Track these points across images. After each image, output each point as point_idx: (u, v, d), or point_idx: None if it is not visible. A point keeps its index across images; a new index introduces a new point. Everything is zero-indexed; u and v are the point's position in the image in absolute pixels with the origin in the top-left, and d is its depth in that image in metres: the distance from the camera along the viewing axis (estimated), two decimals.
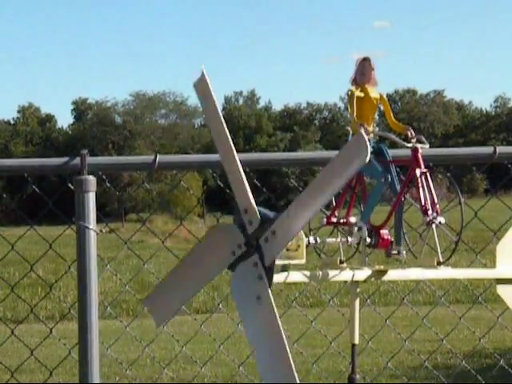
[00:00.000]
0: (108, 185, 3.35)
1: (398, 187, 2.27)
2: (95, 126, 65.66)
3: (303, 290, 12.83)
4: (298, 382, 1.91)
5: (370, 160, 2.27)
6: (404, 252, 2.25)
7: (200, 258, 2.09)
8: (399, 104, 75.40)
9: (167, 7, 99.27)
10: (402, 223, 2.27)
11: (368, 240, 2.28)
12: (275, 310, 1.94)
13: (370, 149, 1.79)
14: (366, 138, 1.78)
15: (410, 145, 2.24)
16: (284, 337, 1.93)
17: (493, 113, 74.87)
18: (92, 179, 2.95)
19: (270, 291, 1.94)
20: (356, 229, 2.26)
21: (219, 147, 2.04)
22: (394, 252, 2.25)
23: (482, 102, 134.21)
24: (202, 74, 2.00)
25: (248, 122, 68.88)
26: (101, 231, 2.99)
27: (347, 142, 1.86)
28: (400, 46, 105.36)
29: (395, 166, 2.31)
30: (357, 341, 2.30)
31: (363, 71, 2.29)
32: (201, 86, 2.01)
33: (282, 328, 1.95)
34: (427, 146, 2.28)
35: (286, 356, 1.93)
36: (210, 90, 1.98)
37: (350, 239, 2.29)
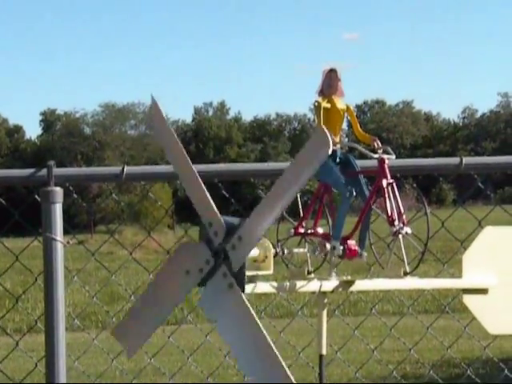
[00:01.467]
0: (75, 196, 3.32)
1: (367, 194, 2.28)
2: (64, 137, 65.32)
3: (272, 301, 12.82)
4: (287, 371, 1.89)
5: (335, 173, 2.28)
6: (365, 254, 2.26)
7: (167, 281, 2.05)
8: (368, 115, 75.88)
9: (136, 17, 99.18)
10: (368, 229, 2.28)
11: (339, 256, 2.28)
12: (252, 311, 1.92)
13: (331, 141, 1.80)
14: (326, 130, 1.80)
15: (376, 155, 2.25)
16: (265, 334, 1.91)
17: (460, 124, 75.59)
18: (59, 190, 2.93)
19: (243, 295, 1.94)
20: (329, 248, 2.26)
21: (174, 164, 2.02)
22: (365, 254, 2.26)
23: (450, 112, 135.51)
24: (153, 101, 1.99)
25: (218, 133, 68.92)
26: (68, 242, 2.96)
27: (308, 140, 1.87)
28: (369, 58, 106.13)
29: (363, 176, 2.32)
30: (324, 351, 2.30)
31: (330, 82, 2.30)
32: (154, 112, 1.99)
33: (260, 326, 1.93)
34: (393, 156, 2.29)
35: (271, 350, 1.90)
36: (160, 111, 1.97)
37: (316, 252, 2.29)
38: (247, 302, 1.93)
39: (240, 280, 1.94)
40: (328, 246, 2.25)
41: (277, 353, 1.88)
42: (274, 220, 1.91)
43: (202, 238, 2.02)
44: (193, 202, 2.03)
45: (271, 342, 1.90)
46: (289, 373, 1.88)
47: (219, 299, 1.95)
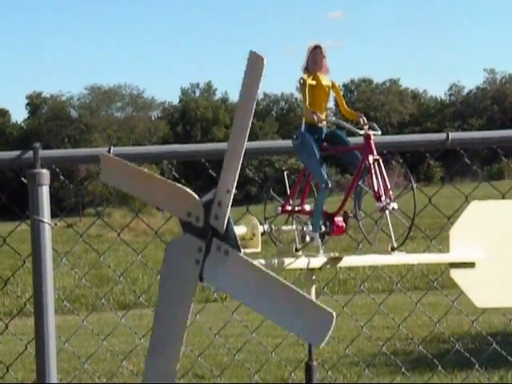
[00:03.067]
0: (62, 178, 3.32)
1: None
2: (50, 121, 65.06)
3: None
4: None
5: (316, 161, 2.28)
6: (362, 215, 2.26)
7: (170, 292, 2.04)
8: (355, 93, 75.80)
9: None
10: (360, 208, 2.28)
11: (323, 228, 2.29)
12: (256, 264, 1.92)
13: (264, 59, 1.82)
14: (256, 52, 1.84)
15: (362, 132, 2.25)
16: (279, 278, 1.90)
17: (447, 101, 75.63)
18: (45, 172, 2.93)
19: (241, 254, 1.94)
20: (308, 239, 2.27)
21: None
22: (351, 215, 2.27)
23: (437, 90, 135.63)
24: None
25: (205, 114, 68.74)
26: (55, 224, 2.96)
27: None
28: (355, 36, 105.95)
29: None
30: None
31: (315, 59, 2.29)
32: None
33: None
34: (379, 132, 2.29)
35: (292, 290, 1.86)
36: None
37: (304, 228, 2.29)
38: (249, 259, 1.94)
39: (233, 242, 1.95)
40: (307, 238, 2.25)
41: (295, 289, 1.86)
42: (239, 167, 1.92)
43: (185, 229, 2.02)
44: (160, 204, 2.03)
45: (284, 281, 1.89)
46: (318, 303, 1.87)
47: (222, 271, 1.96)
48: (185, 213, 1.99)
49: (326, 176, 2.26)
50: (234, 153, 1.92)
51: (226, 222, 1.94)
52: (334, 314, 1.83)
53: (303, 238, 2.29)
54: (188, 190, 2.00)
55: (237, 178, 1.94)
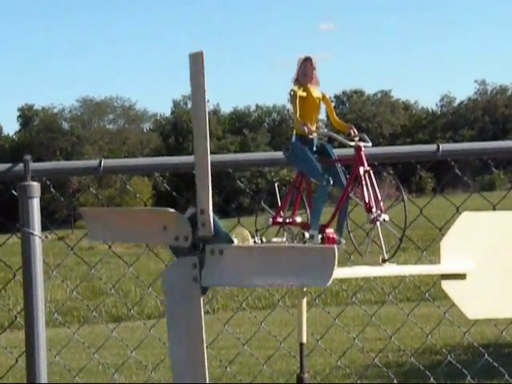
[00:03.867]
0: (53, 190, 3.31)
1: (345, 182, 2.28)
2: (42, 133, 64.98)
3: (253, 292, 12.83)
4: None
5: (311, 161, 2.28)
6: (344, 241, 2.26)
7: (179, 318, 2.05)
8: (347, 105, 75.97)
9: (112, 11, 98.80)
10: (346, 217, 2.28)
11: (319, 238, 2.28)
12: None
13: (202, 51, 1.90)
14: (193, 52, 1.89)
15: (352, 143, 2.25)
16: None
17: (439, 112, 75.85)
18: (36, 185, 2.92)
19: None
20: (308, 237, 2.26)
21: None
22: (343, 241, 2.26)
23: (428, 101, 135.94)
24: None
25: None
26: (46, 237, 2.96)
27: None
28: (347, 48, 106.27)
29: (341, 166, 2.32)
30: (304, 340, 2.30)
31: (305, 71, 2.30)
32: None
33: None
34: (370, 144, 2.29)
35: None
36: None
37: (295, 241, 2.29)
38: (242, 245, 1.98)
39: (224, 238, 1.97)
40: (307, 234, 2.25)
41: (292, 245, 1.91)
42: (209, 170, 1.96)
43: (177, 254, 2.04)
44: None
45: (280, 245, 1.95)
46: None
47: (221, 268, 1.98)
48: (172, 238, 2.01)
49: (326, 174, 2.26)
50: (201, 156, 1.96)
51: (212, 224, 1.97)
52: (336, 247, 1.87)
53: (302, 235, 2.28)
54: (170, 210, 2.02)
55: (210, 181, 1.98)
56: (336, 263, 1.84)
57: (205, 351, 1.99)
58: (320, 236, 2.25)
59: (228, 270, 1.97)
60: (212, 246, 1.98)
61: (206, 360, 2.00)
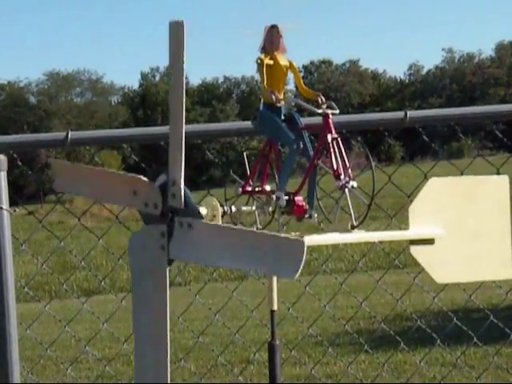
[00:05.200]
0: (20, 163, 3.28)
1: (312, 153, 2.28)
2: (9, 108, 64.24)
3: None
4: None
5: (281, 127, 2.28)
6: (316, 215, 2.27)
7: (143, 284, 2.02)
8: (315, 75, 75.86)
9: None
10: (315, 188, 2.28)
11: (284, 201, 2.29)
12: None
13: (183, 20, 1.89)
14: (173, 20, 1.89)
15: (320, 111, 2.25)
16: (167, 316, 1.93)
17: (407, 81, 76.01)
18: (2, 158, 2.89)
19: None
20: (274, 198, 2.27)
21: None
22: (306, 216, 2.27)
23: (396, 70, 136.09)
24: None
25: (166, 98, 68.17)
26: (14, 211, 2.93)
27: None
28: (314, 18, 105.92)
29: (309, 134, 2.32)
30: (275, 307, 2.31)
31: (272, 39, 2.29)
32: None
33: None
34: (337, 111, 2.29)
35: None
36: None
37: (265, 207, 2.30)
38: (212, 223, 1.97)
39: (194, 213, 1.97)
40: (274, 196, 2.25)
41: (266, 232, 1.89)
42: (183, 141, 1.95)
43: (146, 221, 2.02)
44: (117, 201, 2.03)
45: (252, 229, 1.94)
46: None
47: (190, 243, 1.96)
48: (142, 204, 1.99)
49: (293, 136, 2.26)
50: (177, 131, 1.94)
51: (183, 197, 1.96)
52: (306, 241, 1.85)
53: (270, 199, 2.28)
54: (141, 177, 2.00)
55: (183, 152, 1.96)
56: (304, 257, 1.83)
57: (167, 317, 1.98)
58: (286, 198, 2.25)
59: (195, 246, 1.95)
60: (181, 218, 1.97)
61: (168, 326, 1.99)
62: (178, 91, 1.95)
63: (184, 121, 1.97)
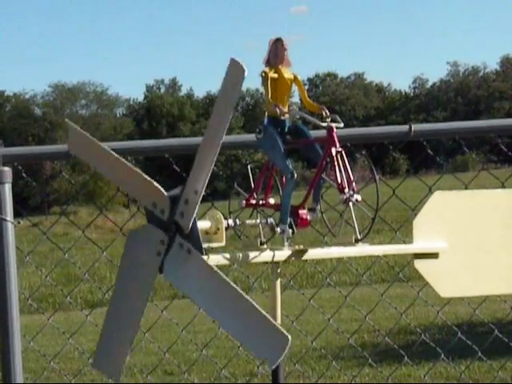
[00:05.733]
0: (25, 176, 3.28)
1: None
2: (14, 119, 64.46)
3: (228, 275, 12.80)
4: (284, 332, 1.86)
5: (280, 155, 2.28)
6: (318, 207, 2.27)
7: (129, 284, 2.02)
8: (320, 88, 76.00)
9: None
10: (321, 189, 2.28)
11: (288, 221, 2.29)
12: (216, 269, 1.91)
13: (245, 68, 1.83)
14: (237, 60, 1.85)
15: (324, 124, 2.25)
16: (236, 288, 1.88)
17: (411, 94, 76.11)
18: (7, 170, 2.90)
19: (203, 257, 1.93)
20: (279, 231, 2.27)
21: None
22: (309, 207, 2.27)
23: (401, 83, 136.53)
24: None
25: (170, 110, 68.46)
26: (18, 223, 2.93)
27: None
28: (318, 31, 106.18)
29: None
30: (279, 321, 2.30)
31: (276, 52, 2.29)
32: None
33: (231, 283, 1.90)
34: (341, 124, 2.29)
35: (247, 302, 1.86)
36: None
37: (269, 220, 2.30)
38: (210, 264, 1.94)
39: (196, 243, 1.95)
40: (278, 229, 2.25)
41: (254, 304, 1.86)
42: (211, 169, 1.93)
43: (149, 220, 2.00)
44: (127, 190, 2.01)
45: (243, 294, 1.89)
46: (272, 320, 1.87)
47: (182, 269, 1.94)
48: (150, 203, 1.98)
49: (291, 167, 2.26)
50: (207, 154, 1.92)
51: (191, 221, 1.94)
52: (290, 337, 1.81)
53: (273, 229, 2.29)
54: (155, 183, 1.99)
55: (207, 180, 1.93)
56: (286, 352, 1.80)
57: (138, 324, 1.98)
58: (291, 231, 2.25)
59: (186, 274, 1.93)
60: (182, 241, 1.95)
61: (136, 331, 1.99)
62: (218, 132, 1.92)
63: (219, 147, 1.94)
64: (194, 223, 1.95)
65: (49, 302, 15.55)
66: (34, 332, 4.60)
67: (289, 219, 2.28)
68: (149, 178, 1.98)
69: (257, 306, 1.85)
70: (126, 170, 2.01)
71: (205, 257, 1.98)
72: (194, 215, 1.94)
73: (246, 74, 1.84)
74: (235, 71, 1.84)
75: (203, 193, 1.94)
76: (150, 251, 1.97)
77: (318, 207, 2.28)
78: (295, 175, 2.25)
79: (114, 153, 2.03)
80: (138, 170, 2.00)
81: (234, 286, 1.89)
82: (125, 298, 2.03)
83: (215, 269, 1.91)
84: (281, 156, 2.27)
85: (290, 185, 2.27)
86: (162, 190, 1.97)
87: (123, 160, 2.02)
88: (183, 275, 1.94)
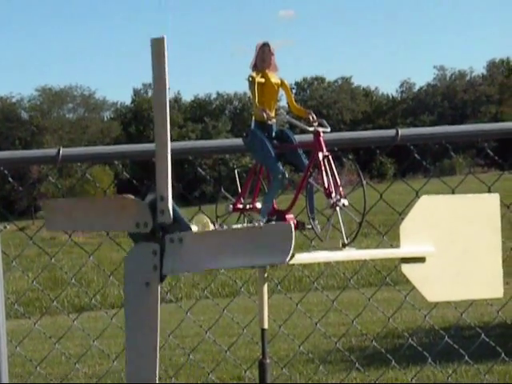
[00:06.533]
0: (11, 180, 3.27)
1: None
2: (0, 123, 64.25)
3: (215, 279, 12.79)
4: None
5: (269, 155, 2.28)
6: (317, 222, 2.27)
7: (135, 305, 2.05)
8: (308, 92, 76.08)
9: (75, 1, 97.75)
10: (313, 205, 2.28)
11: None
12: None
13: (164, 36, 1.93)
14: (155, 37, 1.93)
15: (311, 129, 2.26)
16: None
17: (399, 98, 76.28)
18: None
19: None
20: (256, 224, 2.26)
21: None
22: (308, 227, 2.27)
23: (388, 87, 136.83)
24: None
25: None
26: (5, 227, 2.93)
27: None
28: (306, 35, 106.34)
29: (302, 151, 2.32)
30: (266, 325, 2.30)
31: (263, 57, 2.29)
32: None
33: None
34: (328, 129, 2.29)
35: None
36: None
37: (256, 223, 2.29)
38: (200, 232, 2.00)
39: (183, 225, 1.98)
40: (256, 224, 2.25)
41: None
42: (169, 159, 1.98)
43: (135, 239, 2.04)
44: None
45: (157, 346, 1.98)
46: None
47: (182, 256, 1.99)
48: (133, 225, 2.01)
49: (281, 168, 2.26)
50: (161, 143, 1.97)
51: (171, 211, 1.97)
52: (292, 224, 1.89)
53: (251, 223, 2.28)
54: (130, 195, 2.02)
55: (170, 168, 1.98)
56: (294, 239, 1.86)
57: (158, 339, 2.01)
58: (275, 216, 2.25)
59: (188, 257, 1.98)
60: (171, 235, 1.99)
61: (158, 348, 2.02)
62: (161, 107, 1.98)
63: (169, 136, 2.00)
64: (175, 210, 2.01)
65: (35, 306, 15.50)
66: (21, 337, 4.58)
67: (269, 218, 2.27)
68: (126, 196, 2.02)
69: (252, 226, 2.02)
70: (101, 205, 2.07)
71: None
72: (171, 204, 1.99)
73: (165, 40, 1.89)
74: (158, 47, 1.90)
75: (177, 186, 1.99)
76: (147, 269, 2.00)
77: (316, 222, 2.27)
78: (286, 175, 2.26)
79: (84, 199, 2.11)
80: (112, 195, 2.05)
81: (225, 228, 2.07)
82: (137, 325, 2.04)
83: (207, 231, 2.02)
84: (270, 157, 2.27)
85: (279, 184, 2.26)
86: (140, 201, 2.00)
87: (95, 197, 2.09)
88: (185, 260, 2.00)
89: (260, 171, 2.35)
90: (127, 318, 2.05)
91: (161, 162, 1.99)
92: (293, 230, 1.85)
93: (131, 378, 2.06)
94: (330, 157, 2.23)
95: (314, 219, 2.27)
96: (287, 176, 2.27)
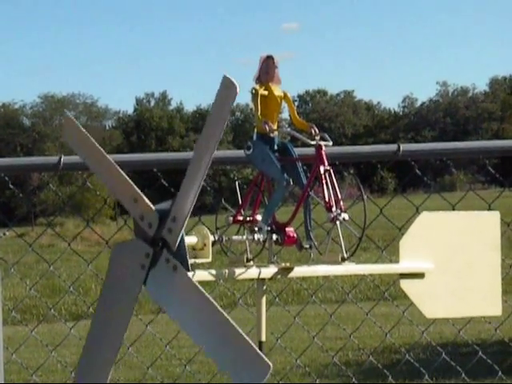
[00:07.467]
0: (12, 187, 3.27)
1: (305, 183, 2.29)
2: (2, 129, 64.31)
3: (214, 290, 12.75)
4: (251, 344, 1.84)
5: (271, 160, 2.28)
6: (316, 243, 2.26)
7: (113, 292, 2.00)
8: (310, 105, 76.19)
9: (73, 4, 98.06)
10: (310, 219, 2.28)
11: (274, 237, 2.29)
12: (201, 289, 1.89)
13: (237, 85, 1.82)
14: (230, 78, 1.83)
15: (313, 142, 2.26)
16: (219, 309, 1.87)
17: (401, 113, 76.36)
18: None
19: (189, 274, 1.92)
20: (256, 229, 2.27)
21: (87, 158, 1.96)
22: (307, 246, 2.27)
23: (391, 102, 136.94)
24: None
25: (160, 124, 68.45)
26: (4, 234, 2.93)
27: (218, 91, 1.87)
28: (309, 48, 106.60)
29: (302, 164, 2.33)
30: (264, 338, 2.30)
31: (267, 69, 2.30)
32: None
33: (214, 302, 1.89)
34: (330, 143, 2.30)
35: (229, 325, 1.85)
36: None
37: (256, 237, 2.29)
38: (195, 282, 1.92)
39: (183, 260, 1.93)
40: (256, 228, 2.25)
41: (237, 328, 1.85)
42: (200, 186, 1.92)
43: (136, 231, 1.99)
44: (118, 198, 2.00)
45: (228, 317, 1.87)
46: (254, 345, 1.85)
47: (166, 285, 1.93)
48: (138, 215, 1.96)
49: (286, 175, 2.26)
50: (197, 171, 1.91)
51: (179, 238, 1.92)
52: (271, 365, 1.79)
53: (252, 231, 2.28)
54: (144, 197, 1.97)
55: (196, 197, 1.92)
56: (265, 380, 1.78)
57: (122, 337, 1.96)
58: (268, 229, 2.25)
59: (170, 291, 1.91)
60: (169, 255, 1.93)
61: (120, 344, 1.98)
62: (208, 149, 1.92)
63: (209, 163, 1.93)
64: (182, 240, 1.94)
65: (33, 313, 15.46)
66: (17, 344, 4.57)
67: (273, 236, 2.27)
68: (139, 191, 1.97)
69: (240, 332, 1.83)
70: (118, 179, 1.99)
71: (191, 273, 1.96)
72: (182, 232, 1.93)
73: (238, 91, 1.83)
74: (227, 88, 1.85)
75: (191, 210, 1.93)
76: (135, 264, 1.95)
77: (313, 243, 2.27)
78: (290, 182, 2.27)
79: (108, 157, 2.02)
80: (130, 181, 1.98)
81: (220, 308, 1.87)
82: (109, 311, 2.01)
83: (201, 288, 1.89)
84: (273, 166, 2.27)
85: (282, 191, 2.27)
86: (150, 204, 1.96)
87: (117, 167, 2.00)
88: (166, 291, 1.92)
89: (261, 183, 2.35)
90: (99, 304, 2.01)
91: (188, 187, 1.91)
92: (269, 371, 1.76)
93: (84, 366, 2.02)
94: (332, 171, 2.23)
95: (311, 239, 2.27)
96: (291, 183, 2.27)
